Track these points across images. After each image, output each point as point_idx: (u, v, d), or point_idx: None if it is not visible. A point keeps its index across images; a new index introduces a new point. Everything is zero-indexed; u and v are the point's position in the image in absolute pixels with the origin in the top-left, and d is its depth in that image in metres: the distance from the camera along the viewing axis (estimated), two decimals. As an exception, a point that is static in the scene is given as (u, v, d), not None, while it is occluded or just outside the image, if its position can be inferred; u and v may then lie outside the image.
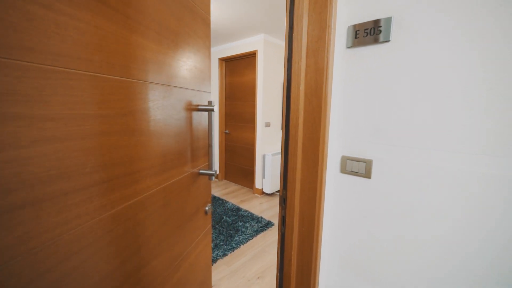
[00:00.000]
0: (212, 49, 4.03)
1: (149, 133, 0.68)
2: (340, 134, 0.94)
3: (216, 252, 2.12)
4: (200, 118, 1.01)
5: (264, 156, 3.54)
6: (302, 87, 0.92)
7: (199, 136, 1.00)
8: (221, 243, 2.26)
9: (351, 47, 0.89)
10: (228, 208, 3.04)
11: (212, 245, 2.23)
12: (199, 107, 0.97)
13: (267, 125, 3.55)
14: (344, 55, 0.90)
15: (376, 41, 0.83)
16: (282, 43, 3.57)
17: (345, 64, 0.90)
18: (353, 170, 0.95)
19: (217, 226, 2.59)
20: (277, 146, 3.82)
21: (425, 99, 0.74)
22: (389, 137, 0.83)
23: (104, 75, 0.52)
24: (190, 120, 0.92)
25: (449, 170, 0.73)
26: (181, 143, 0.86)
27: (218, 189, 3.83)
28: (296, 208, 0.99)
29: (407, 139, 0.79)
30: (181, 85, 0.85)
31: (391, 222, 0.86)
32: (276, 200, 3.42)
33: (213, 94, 4.15)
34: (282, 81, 3.67)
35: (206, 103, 1.05)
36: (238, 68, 3.78)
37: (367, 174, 0.92)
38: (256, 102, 3.47)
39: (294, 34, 0.93)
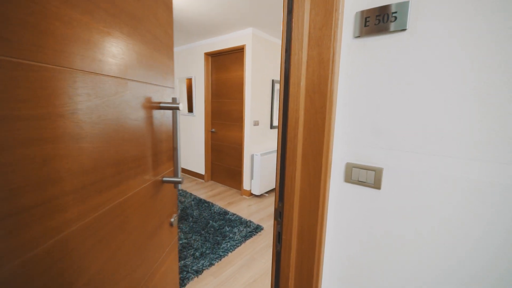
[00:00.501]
0: (198, 43, 3.82)
1: (97, 138, 0.52)
2: (345, 138, 0.82)
3: (202, 262, 1.96)
4: (163, 118, 0.85)
5: (252, 156, 3.40)
6: (302, 83, 0.78)
7: (161, 139, 0.84)
8: (208, 252, 2.10)
9: (359, 36, 0.77)
10: (215, 212, 2.88)
11: (197, 254, 2.07)
12: (162, 105, 0.81)
13: (256, 123, 3.41)
14: (351, 46, 0.77)
15: (389, 30, 0.70)
16: (271, 38, 3.42)
17: (351, 57, 0.77)
18: (359, 180, 0.83)
19: (203, 232, 2.42)
20: (266, 146, 3.69)
21: (449, 100, 0.63)
22: (403, 142, 0.72)
23: (30, 62, 0.35)
24: (150, 120, 0.76)
25: (480, 182, 0.61)
26: (139, 147, 0.70)
27: (204, 191, 3.65)
28: (295, 223, 0.86)
29: (426, 145, 0.67)
30: (139, 79, 0.69)
31: (406, 246, 0.74)
32: (265, 202, 3.30)
33: (198, 90, 3.95)
34: (272, 78, 3.53)
35: (170, 100, 0.89)
36: (225, 63, 3.60)
37: (376, 185, 0.80)
38: (244, 99, 3.31)
39: (294, 20, 0.78)
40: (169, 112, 0.88)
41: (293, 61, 0.79)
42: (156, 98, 0.79)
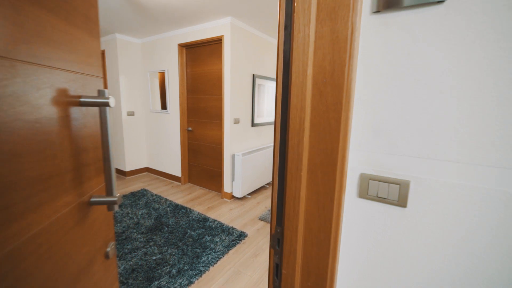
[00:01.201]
0: (170, 33, 3.47)
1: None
2: (359, 142, 0.63)
3: (180, 281, 1.71)
4: (86, 118, 0.60)
5: (233, 156, 3.17)
6: (309, 71, 0.58)
7: (86, 147, 0.60)
8: (186, 267, 1.85)
9: (378, 12, 0.58)
10: (193, 219, 2.62)
11: (174, 271, 1.81)
12: (82, 99, 0.56)
13: (236, 121, 3.17)
14: (368, 25, 0.59)
15: (421, 2, 0.52)
16: (252, 29, 3.19)
17: (368, 38, 0.59)
18: (379, 195, 0.65)
19: (180, 244, 2.16)
20: (247, 145, 3.48)
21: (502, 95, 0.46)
22: (441, 149, 0.55)
23: None
24: (66, 122, 0.51)
25: None
26: (47, 162, 0.46)
27: (181, 195, 3.36)
28: (299, 254, 0.66)
29: (478, 153, 0.51)
30: (42, 61, 0.44)
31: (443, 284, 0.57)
32: (248, 205, 3.10)
33: (172, 85, 3.62)
34: (252, 73, 3.31)
35: (96, 94, 0.64)
36: (202, 56, 3.31)
37: (401, 202, 0.63)
38: (223, 95, 3.06)
39: (297, -16, 0.58)
40: (96, 110, 0.63)
41: (296, 41, 0.58)
42: (74, 91, 0.54)
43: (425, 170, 0.58)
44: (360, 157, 0.64)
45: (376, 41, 0.57)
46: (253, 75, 3.36)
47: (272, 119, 4.03)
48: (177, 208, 2.87)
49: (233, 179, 3.21)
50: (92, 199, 0.60)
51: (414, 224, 0.61)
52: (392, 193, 0.64)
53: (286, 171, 0.63)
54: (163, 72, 3.70)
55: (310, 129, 0.60)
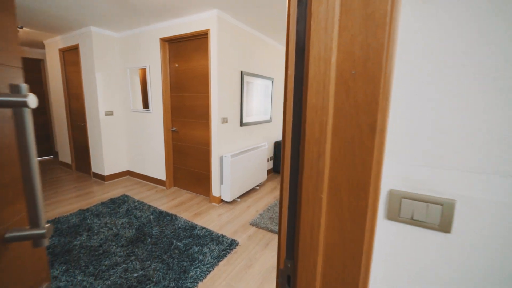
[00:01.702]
0: (152, 27, 3.23)
1: None
2: (390, 150, 0.49)
3: (164, 301, 1.53)
4: None
5: (221, 158, 2.99)
6: (334, 59, 0.44)
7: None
8: (172, 285, 1.67)
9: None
10: (179, 227, 2.43)
11: (158, 289, 1.63)
12: None
13: (224, 121, 3.00)
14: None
15: None
16: (240, 24, 3.02)
17: (410, 14, 0.45)
18: (414, 218, 0.52)
19: (165, 257, 1.96)
20: (236, 146, 3.31)
21: None
22: (501, 160, 0.42)
23: None
24: None
25: None
26: None
27: (166, 200, 3.14)
28: (316, 296, 0.52)
29: None
30: None
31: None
32: (238, 209, 2.94)
33: (154, 83, 3.37)
34: (240, 70, 3.14)
35: (7, 91, 0.46)
36: (186, 51, 3.10)
37: (443, 226, 0.51)
38: (210, 93, 2.87)
39: None
40: (8, 112, 0.45)
41: (315, 17, 0.43)
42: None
43: (480, 187, 0.45)
44: (390, 169, 0.50)
45: (421, 18, 0.43)
46: (241, 72, 3.19)
47: (262, 118, 3.88)
48: (161, 216, 2.66)
49: (221, 182, 3.03)
50: (8, 234, 0.42)
51: (461, 254, 0.49)
52: (432, 215, 0.51)
53: (301, 191, 0.48)
54: (144, 69, 3.44)
55: (333, 137, 0.45)
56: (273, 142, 4.38)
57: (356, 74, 0.43)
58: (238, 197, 3.25)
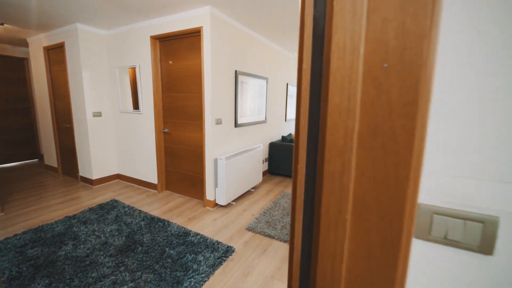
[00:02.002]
0: (142, 24, 3.10)
1: None
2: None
3: (156, 317, 1.42)
4: None
5: (216, 160, 2.89)
6: (362, 50, 0.36)
7: None
8: (164, 298, 1.56)
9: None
10: (172, 234, 2.31)
11: (149, 303, 1.51)
12: None
13: (218, 122, 2.90)
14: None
15: None
16: (234, 22, 2.92)
17: None
18: (448, 237, 0.45)
19: (157, 266, 1.85)
20: (231, 147, 3.22)
21: None
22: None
23: None
24: None
25: None
26: None
27: (158, 205, 3.01)
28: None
29: None
30: None
31: None
32: (233, 213, 2.84)
33: (145, 83, 3.24)
34: (235, 69, 3.05)
35: None
36: (178, 50, 2.98)
37: (484, 247, 0.44)
38: (203, 93, 2.76)
39: None
40: None
41: (339, -2, 0.35)
42: None
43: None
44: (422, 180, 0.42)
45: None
46: (236, 71, 3.10)
47: (257, 119, 3.80)
48: (153, 222, 2.54)
49: (216, 185, 2.93)
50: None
51: (506, 280, 0.41)
52: (470, 234, 0.44)
53: (320, 212, 0.40)
54: (134, 68, 3.30)
55: (359, 145, 0.37)
56: (268, 143, 4.30)
57: (389, 67, 0.35)
58: (233, 201, 3.15)
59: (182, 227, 2.44)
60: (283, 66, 4.65)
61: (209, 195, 2.95)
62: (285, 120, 5.07)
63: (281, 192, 3.54)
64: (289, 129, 5.39)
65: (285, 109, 4.98)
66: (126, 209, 2.82)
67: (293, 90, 5.24)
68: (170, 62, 3.07)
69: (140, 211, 2.77)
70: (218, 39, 2.71)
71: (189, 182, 3.22)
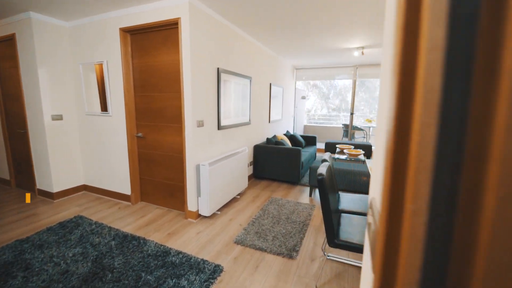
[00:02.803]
0: (110, 14, 2.74)
1: None
2: None
3: None
4: None
5: (198, 167, 2.61)
6: None
7: None
8: None
9: None
10: (149, 254, 2.00)
11: None
12: None
13: (200, 124, 2.63)
14: None
15: None
16: (215, 15, 2.68)
17: None
18: None
19: (130, 298, 1.54)
20: (215, 152, 2.95)
21: None
22: None
23: None
24: None
25: None
26: None
27: (132, 219, 2.66)
28: None
29: None
30: None
31: None
32: (219, 224, 2.58)
33: (115, 81, 2.87)
34: (217, 67, 2.80)
35: None
36: (153, 44, 2.67)
37: None
38: (182, 92, 2.48)
39: None
40: None
41: None
42: None
43: None
44: None
45: None
46: (218, 69, 2.85)
47: (241, 120, 3.57)
48: (125, 240, 2.19)
49: (199, 194, 2.65)
50: None
51: None
52: None
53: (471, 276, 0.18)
54: (101, 64, 2.92)
55: None
56: (253, 145, 4.09)
57: None
58: (218, 210, 2.88)
59: (161, 245, 2.13)
60: (267, 65, 4.48)
61: (191, 205, 2.66)
62: (269, 122, 4.89)
63: (268, 198, 3.33)
64: (274, 130, 5.23)
65: (268, 110, 4.81)
66: (94, 226, 2.43)
67: (276, 90, 5.09)
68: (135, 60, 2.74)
69: (111, 228, 2.40)
70: (198, 33, 2.45)
71: (168, 191, 2.89)
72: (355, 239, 1.55)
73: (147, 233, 2.36)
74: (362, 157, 4.45)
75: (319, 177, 1.53)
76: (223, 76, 2.96)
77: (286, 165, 3.83)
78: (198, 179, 2.63)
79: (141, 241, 2.19)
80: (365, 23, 2.98)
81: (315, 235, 2.40)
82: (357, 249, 1.51)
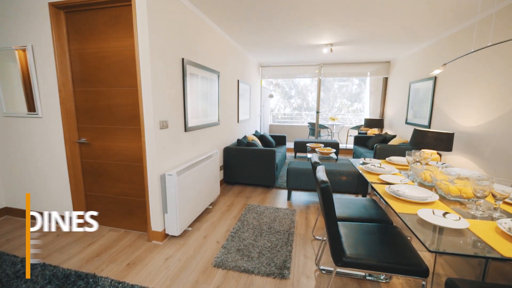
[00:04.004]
0: (32, -16, 2.09)
1: None
2: None
3: None
4: None
5: (163, 177, 2.15)
6: None
7: None
8: None
9: None
10: (102, 299, 1.50)
11: None
12: None
13: (163, 125, 2.17)
14: None
15: None
16: (176, -6, 2.24)
17: None
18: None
19: None
20: (182, 158, 2.51)
21: None
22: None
23: None
24: None
25: None
26: None
27: (77, 249, 2.07)
28: None
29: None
30: None
31: None
32: (191, 244, 2.16)
33: (45, 73, 2.22)
34: (181, 57, 2.38)
35: None
36: (98, 26, 2.11)
37: None
38: (140, 87, 2.00)
39: None
40: None
41: None
42: None
43: None
44: None
45: None
46: (183, 59, 2.42)
47: (210, 120, 3.16)
48: (67, 282, 1.64)
49: (165, 211, 2.19)
50: None
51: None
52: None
53: None
54: (25, 50, 2.24)
55: None
56: (223, 148, 3.71)
57: None
58: (189, 226, 2.45)
59: (119, 283, 1.65)
60: (234, 60, 4.15)
61: (156, 224, 2.19)
62: (238, 122, 4.56)
63: (244, 206, 3.01)
64: (243, 131, 4.92)
65: (237, 109, 4.47)
66: (19, 266, 1.80)
67: (244, 88, 4.78)
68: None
69: (45, 267, 1.80)
70: (158, 15, 2.00)
71: (125, 209, 2.36)
72: (362, 254, 1.33)
73: (99, 267, 1.83)
74: (333, 155, 4.43)
75: (323, 185, 1.28)
76: (189, 69, 2.53)
77: (260, 168, 3.56)
78: (163, 192, 2.17)
79: (91, 280, 1.66)
80: (332, 20, 2.86)
81: (303, 245, 2.17)
82: (367, 266, 1.29)
